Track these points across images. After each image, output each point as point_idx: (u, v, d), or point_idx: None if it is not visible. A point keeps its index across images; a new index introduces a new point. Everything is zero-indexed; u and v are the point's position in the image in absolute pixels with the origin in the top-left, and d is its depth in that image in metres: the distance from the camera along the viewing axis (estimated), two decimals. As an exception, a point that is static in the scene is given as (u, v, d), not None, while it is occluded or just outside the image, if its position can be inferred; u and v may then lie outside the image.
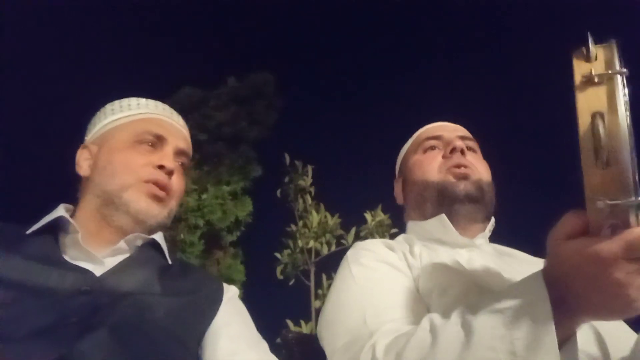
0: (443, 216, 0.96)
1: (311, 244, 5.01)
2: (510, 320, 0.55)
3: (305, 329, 4.45)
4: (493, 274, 0.84)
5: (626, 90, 0.50)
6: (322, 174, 5.49)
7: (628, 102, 0.49)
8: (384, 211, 4.89)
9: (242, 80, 7.36)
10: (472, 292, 0.79)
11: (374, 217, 4.91)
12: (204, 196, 6.35)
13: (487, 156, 1.09)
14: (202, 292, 0.88)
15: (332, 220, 5.05)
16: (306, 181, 5.30)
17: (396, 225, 4.48)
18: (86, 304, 0.74)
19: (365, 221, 4.94)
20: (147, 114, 0.99)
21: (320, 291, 4.76)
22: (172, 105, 1.07)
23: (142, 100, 1.01)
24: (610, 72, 0.50)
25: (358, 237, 4.81)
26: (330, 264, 4.80)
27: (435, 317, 0.66)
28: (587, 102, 0.50)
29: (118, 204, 0.88)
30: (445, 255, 0.90)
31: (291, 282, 5.03)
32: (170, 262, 0.92)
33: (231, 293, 0.94)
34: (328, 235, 5.04)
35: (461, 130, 1.10)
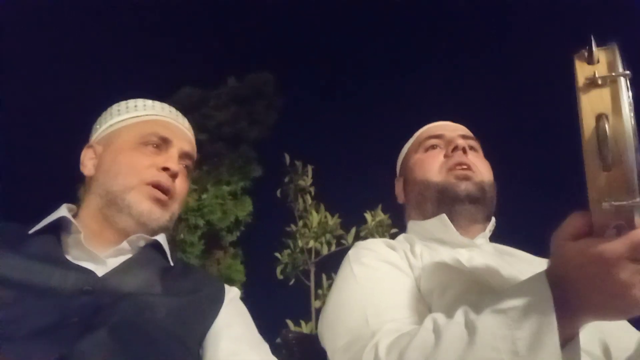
0: (444, 216, 0.96)
1: (311, 244, 5.00)
2: (513, 321, 0.56)
3: (305, 329, 4.44)
4: (494, 273, 0.84)
5: (630, 92, 0.50)
6: (322, 174, 5.49)
7: (632, 104, 0.50)
8: (384, 211, 4.89)
9: (242, 80, 7.35)
10: (473, 292, 0.79)
11: (374, 217, 4.90)
12: (204, 196, 6.34)
13: (488, 156, 1.09)
14: (203, 293, 0.88)
15: (332, 220, 5.04)
16: (306, 181, 5.29)
17: (396, 225, 4.48)
18: (88, 304, 0.74)
19: (365, 221, 4.94)
20: (154, 116, 0.99)
21: (320, 291, 4.76)
22: (172, 105, 1.06)
23: (149, 102, 1.01)
24: (614, 74, 0.50)
25: (358, 237, 4.80)
26: (330, 264, 4.81)
27: (438, 316, 0.66)
28: (591, 104, 0.51)
29: (121, 205, 0.88)
30: (445, 254, 0.90)
31: (291, 282, 5.03)
32: (172, 264, 0.92)
33: (233, 294, 0.94)
34: (328, 235, 5.03)
35: (463, 130, 1.10)
